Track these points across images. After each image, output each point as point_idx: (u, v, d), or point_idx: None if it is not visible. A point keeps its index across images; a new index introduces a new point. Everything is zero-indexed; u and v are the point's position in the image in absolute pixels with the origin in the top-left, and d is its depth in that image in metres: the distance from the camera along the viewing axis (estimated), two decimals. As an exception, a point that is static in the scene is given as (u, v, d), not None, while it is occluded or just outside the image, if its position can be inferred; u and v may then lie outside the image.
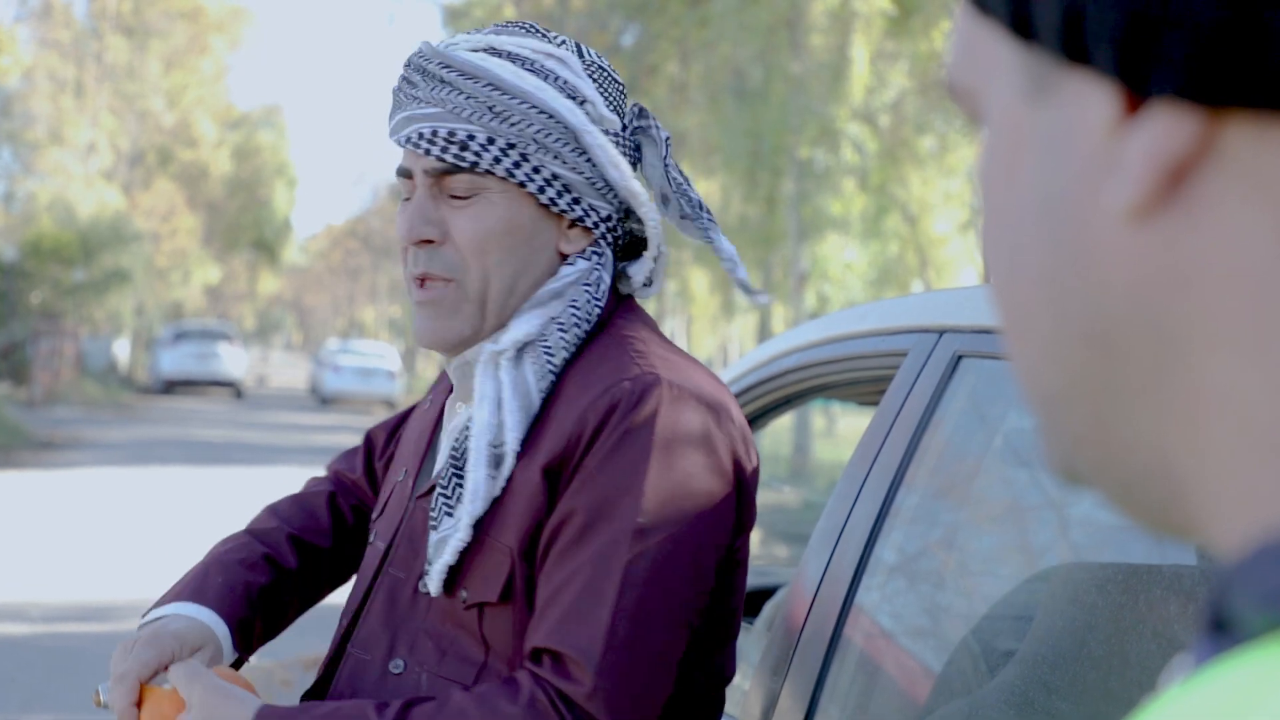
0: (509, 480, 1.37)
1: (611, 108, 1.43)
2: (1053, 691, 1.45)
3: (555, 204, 1.39)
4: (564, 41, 1.44)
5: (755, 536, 1.53)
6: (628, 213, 1.46)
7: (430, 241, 1.40)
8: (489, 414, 1.37)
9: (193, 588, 1.51)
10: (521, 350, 1.40)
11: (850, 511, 1.83)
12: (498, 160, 1.36)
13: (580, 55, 1.43)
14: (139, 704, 1.42)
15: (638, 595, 1.30)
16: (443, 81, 1.38)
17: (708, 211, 1.49)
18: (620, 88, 1.47)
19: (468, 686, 1.35)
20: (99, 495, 12.22)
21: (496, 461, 1.36)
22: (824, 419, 21.25)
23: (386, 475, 1.61)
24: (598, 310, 1.41)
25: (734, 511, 1.39)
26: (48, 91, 32.55)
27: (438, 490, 1.39)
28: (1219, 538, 0.36)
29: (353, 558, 1.64)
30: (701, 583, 1.35)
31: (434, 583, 1.38)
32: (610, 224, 1.43)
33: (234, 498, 12.18)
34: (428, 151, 1.37)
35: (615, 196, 1.42)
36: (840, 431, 20.76)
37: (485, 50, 1.41)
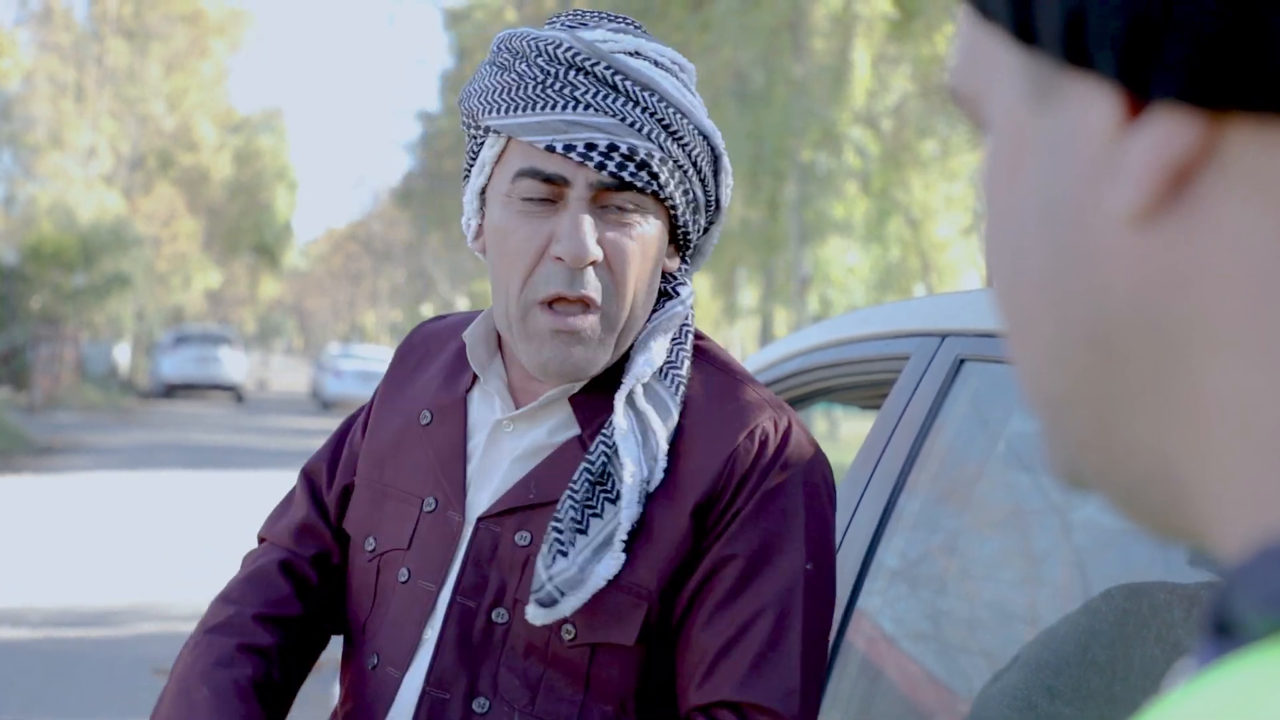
0: (648, 520, 1.31)
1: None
2: (1056, 696, 1.44)
3: (685, 224, 1.34)
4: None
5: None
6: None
7: (594, 262, 1.30)
8: (635, 451, 1.30)
9: (181, 712, 1.35)
10: (648, 389, 1.35)
11: (852, 516, 1.83)
12: (668, 182, 1.29)
13: (670, 63, 1.36)
14: None
15: (813, 637, 1.31)
16: (616, 89, 1.28)
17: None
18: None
19: None
20: (99, 500, 12.21)
21: (645, 499, 1.31)
22: (826, 423, 21.23)
23: (380, 506, 1.46)
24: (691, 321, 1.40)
25: None
26: (48, 95, 32.57)
27: (552, 527, 1.30)
28: (1221, 541, 0.36)
29: (332, 613, 1.51)
30: (834, 602, 1.38)
31: (544, 618, 1.29)
32: (694, 240, 1.41)
33: (235, 502, 12.17)
34: (601, 166, 1.27)
35: (717, 212, 1.39)
36: (843, 436, 20.73)
37: (638, 55, 1.32)
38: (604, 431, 1.33)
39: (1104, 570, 1.64)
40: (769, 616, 1.29)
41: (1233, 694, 0.31)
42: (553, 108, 1.28)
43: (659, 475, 1.31)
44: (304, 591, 1.47)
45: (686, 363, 1.37)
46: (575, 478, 1.31)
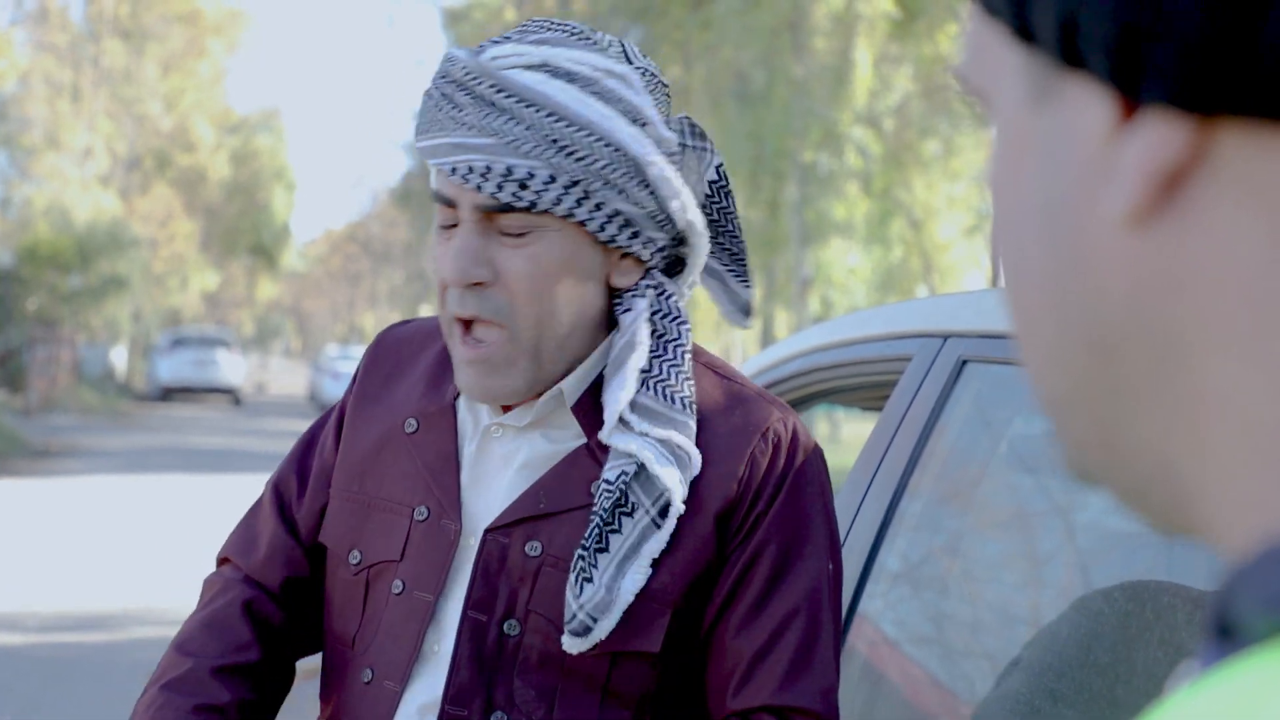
0: (675, 532, 1.32)
1: (665, 120, 1.34)
2: (1058, 699, 1.43)
3: (614, 240, 1.30)
4: (612, 43, 1.34)
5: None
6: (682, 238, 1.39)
7: (480, 284, 1.29)
8: (673, 470, 1.30)
9: None
10: (638, 407, 1.33)
11: (854, 518, 1.82)
12: (559, 200, 1.26)
13: (630, 61, 1.32)
14: None
15: (837, 632, 1.35)
16: (496, 108, 1.26)
17: (741, 263, 1.44)
18: (667, 90, 1.38)
19: None
20: (96, 504, 12.20)
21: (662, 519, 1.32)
22: (828, 425, 21.24)
23: (365, 518, 1.42)
24: (690, 338, 1.38)
25: None
26: (44, 95, 32.55)
27: (578, 555, 1.30)
28: (1224, 541, 0.36)
29: (301, 641, 1.48)
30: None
31: (580, 646, 1.29)
32: (665, 252, 1.37)
33: (232, 506, 12.15)
34: (479, 188, 1.26)
35: (674, 226, 1.35)
36: (844, 437, 20.74)
37: (540, 68, 1.28)
38: (623, 454, 1.32)
39: (1107, 572, 1.63)
40: (801, 619, 1.31)
41: (1236, 696, 0.31)
42: (441, 130, 1.28)
43: (680, 495, 1.32)
44: (266, 635, 1.43)
45: (676, 373, 1.35)
46: (597, 500, 1.31)
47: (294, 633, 1.47)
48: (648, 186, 1.30)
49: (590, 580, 1.28)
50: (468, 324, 1.30)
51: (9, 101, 31.28)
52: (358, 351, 32.77)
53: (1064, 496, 1.70)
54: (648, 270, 1.36)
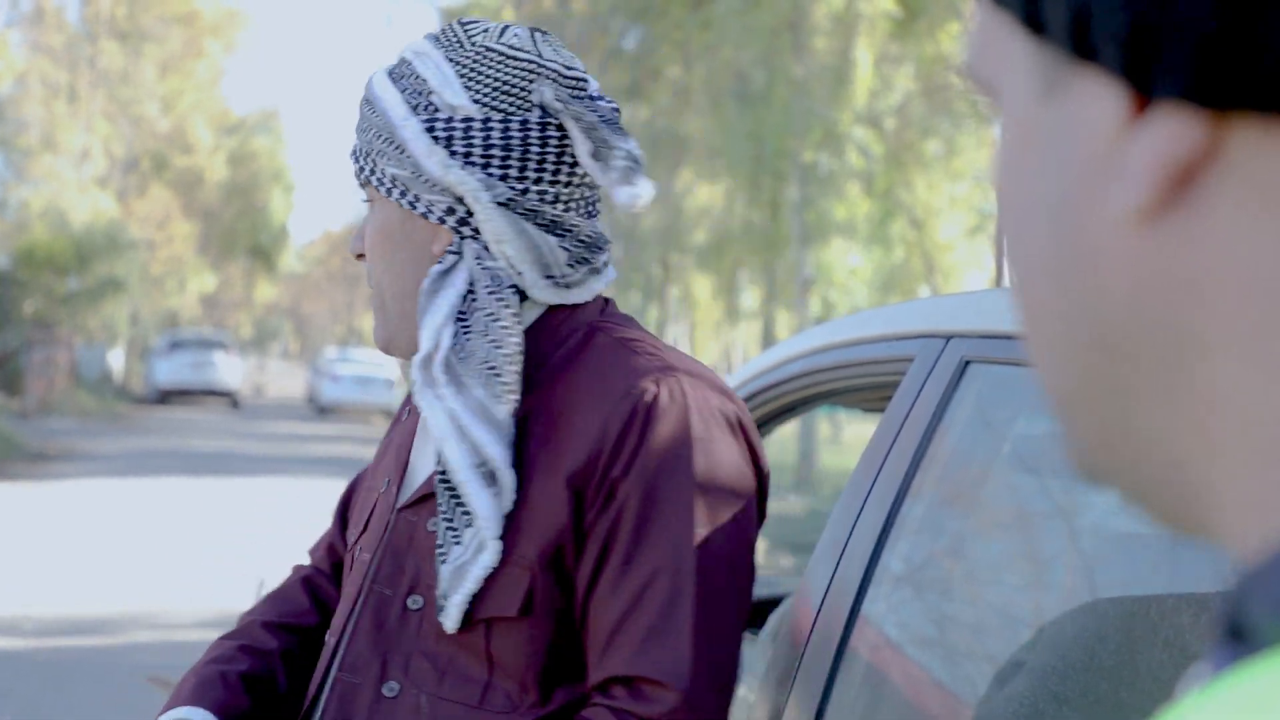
0: (524, 493, 1.33)
1: (480, 93, 1.35)
2: (1063, 702, 1.43)
3: (400, 203, 1.41)
4: (479, 29, 1.39)
5: (760, 546, 1.51)
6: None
7: (361, 255, 1.49)
8: (455, 445, 1.33)
9: (172, 700, 1.49)
10: (453, 370, 1.35)
11: (856, 520, 1.82)
12: (361, 169, 1.44)
13: (463, 44, 1.38)
14: None
15: (711, 608, 1.29)
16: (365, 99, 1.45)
17: (632, 159, 1.37)
18: (519, 69, 1.36)
19: (473, 706, 1.33)
20: (94, 507, 12.20)
21: (490, 479, 1.33)
22: (829, 426, 21.28)
23: (367, 484, 1.58)
24: (512, 309, 1.35)
25: (758, 503, 1.38)
26: (40, 97, 32.54)
27: (440, 517, 1.35)
28: (1232, 541, 0.36)
29: None
30: (750, 575, 1.35)
31: (453, 617, 1.33)
32: (458, 217, 1.38)
33: (231, 509, 12.17)
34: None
35: (443, 188, 1.37)
36: (846, 439, 20.80)
37: (418, 58, 1.43)
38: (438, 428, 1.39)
39: (1111, 575, 1.62)
40: (659, 588, 1.28)
41: (1246, 700, 0.31)
42: None
43: (496, 453, 1.31)
44: (321, 605, 1.60)
45: (496, 353, 1.34)
46: (439, 492, 1.36)
47: None
48: (402, 149, 1.38)
49: (445, 562, 1.34)
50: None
51: (5, 103, 31.30)
52: (356, 354, 32.71)
53: (1068, 498, 1.70)
54: (463, 240, 1.38)
